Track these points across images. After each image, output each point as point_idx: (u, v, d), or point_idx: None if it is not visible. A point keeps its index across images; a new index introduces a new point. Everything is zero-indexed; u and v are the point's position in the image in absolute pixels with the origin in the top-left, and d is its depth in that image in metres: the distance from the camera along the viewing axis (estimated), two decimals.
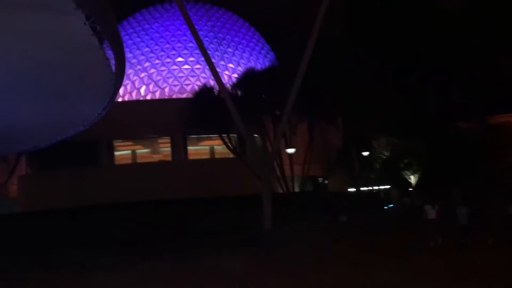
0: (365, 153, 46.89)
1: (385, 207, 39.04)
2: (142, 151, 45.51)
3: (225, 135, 39.53)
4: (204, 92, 37.58)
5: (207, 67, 32.29)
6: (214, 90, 37.61)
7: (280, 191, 40.21)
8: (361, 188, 53.38)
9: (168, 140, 42.87)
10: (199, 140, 43.99)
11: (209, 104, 36.55)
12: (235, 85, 38.35)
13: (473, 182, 44.06)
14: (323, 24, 29.67)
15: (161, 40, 63.86)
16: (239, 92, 38.41)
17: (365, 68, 40.71)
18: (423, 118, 54.74)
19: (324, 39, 38.13)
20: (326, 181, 49.73)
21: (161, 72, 62.46)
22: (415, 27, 47.96)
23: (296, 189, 42.39)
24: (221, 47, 64.35)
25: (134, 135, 41.67)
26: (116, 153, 43.62)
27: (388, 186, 61.18)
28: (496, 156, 47.58)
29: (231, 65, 59.94)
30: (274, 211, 28.36)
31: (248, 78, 38.52)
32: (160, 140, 44.25)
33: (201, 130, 38.41)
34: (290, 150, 37.09)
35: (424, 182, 58.00)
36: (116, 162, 43.25)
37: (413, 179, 60.86)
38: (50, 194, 40.33)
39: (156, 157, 45.31)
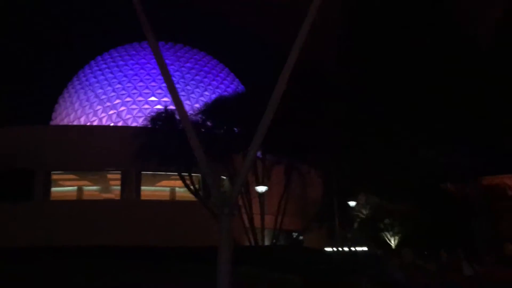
0: (352, 203, 38.60)
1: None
2: (90, 188, 36.10)
3: (187, 174, 30.74)
4: (163, 119, 29.05)
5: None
6: (176, 119, 29.12)
7: (248, 244, 31.08)
8: (339, 248, 44.75)
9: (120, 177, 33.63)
10: (156, 178, 34.92)
11: (168, 135, 28.11)
12: (201, 113, 29.95)
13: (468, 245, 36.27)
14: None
15: (135, 77, 56.34)
16: (207, 123, 30.11)
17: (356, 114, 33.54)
18: (409, 178, 47.13)
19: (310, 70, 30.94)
20: (301, 237, 40.59)
21: (131, 110, 54.44)
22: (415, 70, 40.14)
23: (267, 243, 33.27)
24: (198, 90, 57.19)
25: (78, 166, 32.39)
26: (58, 188, 34.23)
27: (365, 248, 53.20)
28: (492, 219, 40.03)
29: None
30: (238, 270, 19.46)
31: (217, 107, 30.29)
32: (110, 176, 35.01)
33: (157, 166, 29.45)
34: (261, 188, 28.42)
35: (406, 244, 50.32)
36: (58, 199, 33.69)
37: (393, 241, 53.15)
38: None
39: (105, 197, 35.99)
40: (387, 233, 52.92)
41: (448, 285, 25.69)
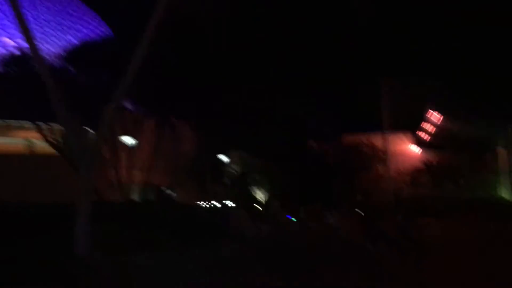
0: (224, 158, 38.70)
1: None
2: None
3: (45, 124, 27.67)
4: (16, 61, 25.41)
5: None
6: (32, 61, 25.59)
7: (114, 199, 29.35)
8: (209, 204, 45.14)
9: None
10: (9, 129, 30.90)
11: (22, 80, 24.73)
12: (62, 58, 26.82)
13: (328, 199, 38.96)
14: None
15: None
16: (69, 69, 27.08)
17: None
18: (278, 136, 48.90)
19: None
20: (172, 192, 39.78)
21: None
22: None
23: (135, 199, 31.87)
24: (59, 33, 51.58)
25: None
26: None
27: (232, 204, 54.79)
28: (349, 174, 43.44)
29: None
30: (102, 227, 18.09)
31: (81, 53, 27.39)
32: None
33: (8, 113, 25.91)
34: (128, 140, 26.78)
35: (274, 198, 52.74)
36: None
37: (261, 196, 55.26)
38: None
39: None
40: (256, 188, 54.71)
41: (310, 230, 28.42)
